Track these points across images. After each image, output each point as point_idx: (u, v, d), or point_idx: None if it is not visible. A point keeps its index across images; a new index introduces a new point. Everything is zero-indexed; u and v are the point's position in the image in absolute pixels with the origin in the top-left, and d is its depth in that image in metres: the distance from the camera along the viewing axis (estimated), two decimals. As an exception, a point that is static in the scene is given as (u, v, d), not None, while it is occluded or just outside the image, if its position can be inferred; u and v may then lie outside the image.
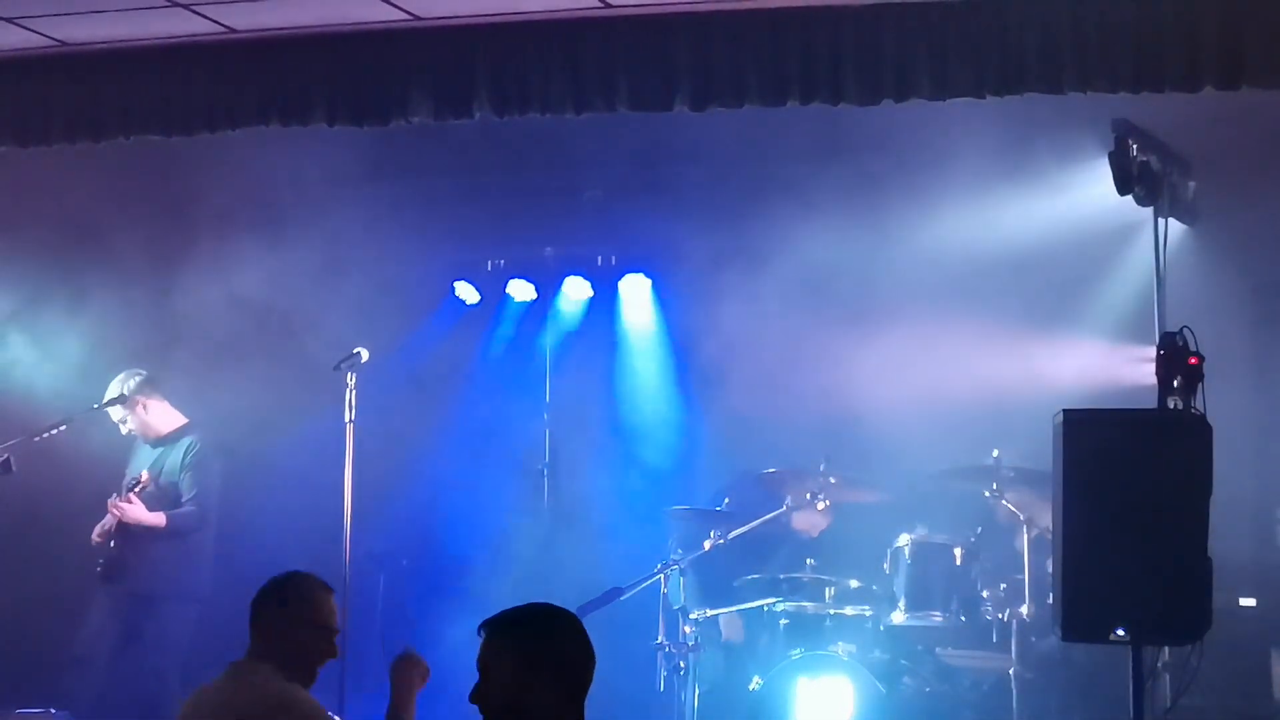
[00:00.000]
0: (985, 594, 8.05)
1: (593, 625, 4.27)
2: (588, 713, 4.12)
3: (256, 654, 5.17)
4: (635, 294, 9.81)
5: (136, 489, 8.63)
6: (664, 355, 9.74)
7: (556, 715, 4.04)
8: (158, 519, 8.63)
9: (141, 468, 8.83)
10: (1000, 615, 7.97)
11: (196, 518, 8.73)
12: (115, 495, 8.67)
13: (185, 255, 9.40)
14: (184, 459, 8.79)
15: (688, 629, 8.33)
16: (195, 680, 5.41)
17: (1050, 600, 6.79)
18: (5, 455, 8.47)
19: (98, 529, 8.73)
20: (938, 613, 8.03)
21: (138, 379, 8.90)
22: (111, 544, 8.65)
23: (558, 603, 4.27)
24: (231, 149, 8.77)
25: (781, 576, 8.31)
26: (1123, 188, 7.71)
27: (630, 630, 8.36)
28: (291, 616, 5.18)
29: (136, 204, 9.79)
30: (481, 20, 7.63)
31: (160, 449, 8.90)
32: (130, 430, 8.97)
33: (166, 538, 8.63)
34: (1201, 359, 6.09)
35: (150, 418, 8.93)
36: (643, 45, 7.49)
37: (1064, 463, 6.00)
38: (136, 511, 8.59)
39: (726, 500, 8.56)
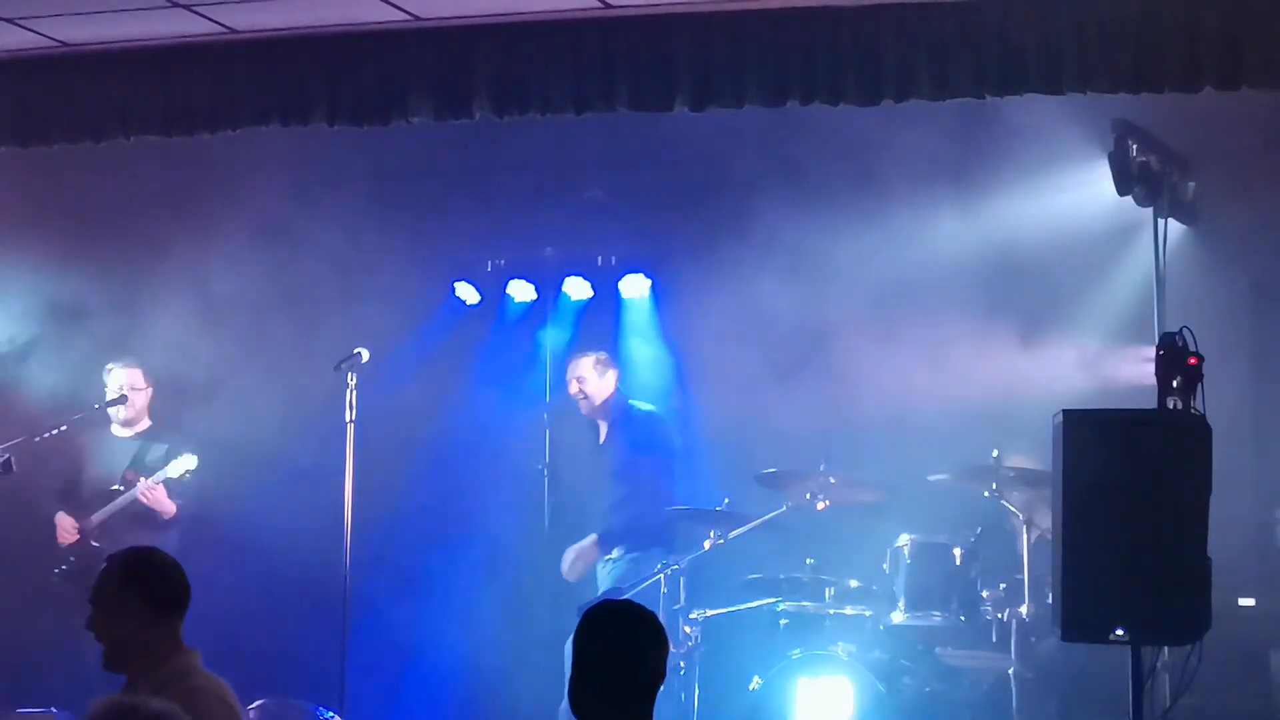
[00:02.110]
0: (985, 594, 8.03)
1: (592, 625, 4.27)
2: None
3: None
4: (635, 294, 9.80)
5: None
6: (663, 355, 9.72)
7: (594, 713, 4.06)
8: (171, 507, 8.79)
9: (125, 458, 8.95)
10: (1000, 615, 7.97)
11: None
12: (140, 479, 8.77)
13: (186, 257, 9.40)
14: (166, 452, 8.90)
15: (688, 629, 8.32)
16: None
17: (1050, 600, 6.78)
18: (5, 455, 8.49)
19: (69, 526, 8.82)
20: (938, 613, 8.01)
21: (131, 369, 9.04)
22: (94, 543, 8.71)
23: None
24: (233, 149, 8.77)
25: (781, 576, 8.30)
26: (1123, 188, 7.72)
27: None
28: None
29: (138, 206, 9.80)
30: (481, 20, 7.63)
31: (141, 441, 9.04)
32: (124, 418, 9.04)
33: (150, 530, 8.66)
34: (1201, 359, 6.07)
35: (142, 407, 9.07)
36: (643, 45, 7.49)
37: (1064, 463, 5.99)
38: (159, 494, 8.75)
39: (726, 500, 8.55)
